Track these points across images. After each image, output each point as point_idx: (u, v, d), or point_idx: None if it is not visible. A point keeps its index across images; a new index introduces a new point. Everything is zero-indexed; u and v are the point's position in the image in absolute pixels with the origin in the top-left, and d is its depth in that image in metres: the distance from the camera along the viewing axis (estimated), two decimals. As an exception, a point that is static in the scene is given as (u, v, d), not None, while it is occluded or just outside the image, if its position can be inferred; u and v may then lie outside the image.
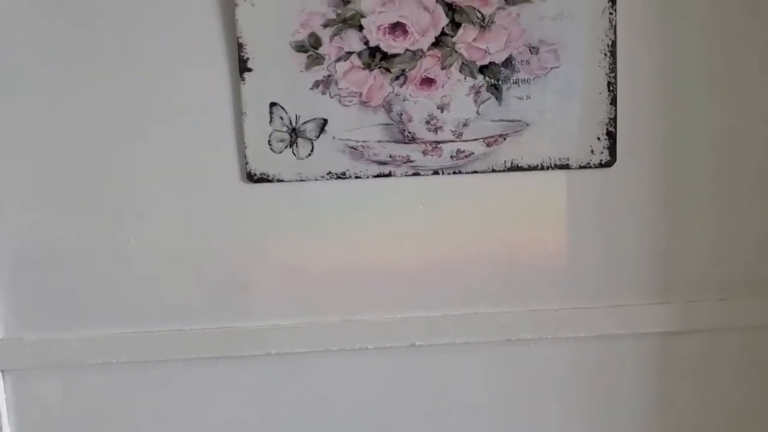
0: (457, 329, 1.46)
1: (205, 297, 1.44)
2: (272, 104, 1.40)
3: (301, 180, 1.42)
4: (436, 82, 1.41)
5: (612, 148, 1.45)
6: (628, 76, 1.42)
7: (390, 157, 1.43)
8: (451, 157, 1.43)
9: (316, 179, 1.42)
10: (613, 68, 1.42)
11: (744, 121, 1.44)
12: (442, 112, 1.42)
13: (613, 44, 1.41)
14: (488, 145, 1.43)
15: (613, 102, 1.43)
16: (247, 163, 1.41)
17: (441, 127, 1.42)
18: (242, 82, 1.38)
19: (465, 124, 1.42)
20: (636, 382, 1.52)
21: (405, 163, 1.43)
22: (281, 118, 1.40)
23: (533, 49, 1.41)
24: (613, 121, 1.44)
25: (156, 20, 1.36)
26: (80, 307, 1.43)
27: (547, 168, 1.45)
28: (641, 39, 1.41)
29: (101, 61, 1.35)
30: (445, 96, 1.41)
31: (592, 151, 1.45)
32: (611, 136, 1.44)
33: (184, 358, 1.45)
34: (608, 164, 1.45)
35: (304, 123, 1.40)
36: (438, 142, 1.43)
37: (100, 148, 1.38)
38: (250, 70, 1.38)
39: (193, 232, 1.42)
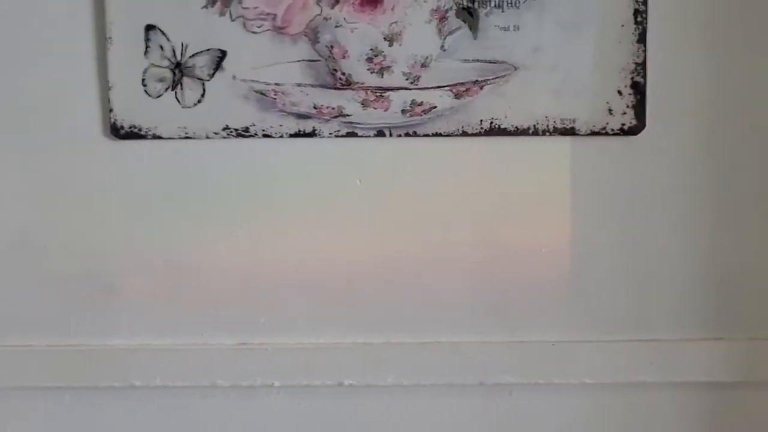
0: (407, 365, 0.85)
1: (50, 301, 0.86)
2: (149, 27, 0.87)
3: (187, 137, 0.87)
4: (383, 1, 0.86)
5: (640, 108, 0.87)
6: (666, 2, 0.85)
7: (314, 108, 0.88)
8: (404, 111, 0.88)
9: (207, 137, 0.87)
10: (642, -11, 0.86)
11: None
12: (390, 45, 0.87)
13: (644, -46, 0.85)
14: (457, 95, 0.87)
15: (642, 39, 0.86)
16: (111, 111, 0.87)
17: (389, 68, 0.87)
18: (108, -6, 0.86)
19: (424, 65, 0.87)
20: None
21: (336, 117, 0.88)
22: (161, 47, 0.87)
23: (526, -42, 0.86)
24: (642, 67, 0.86)
25: None
26: None
27: (544, 133, 0.88)
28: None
29: None
30: (395, 23, 0.87)
31: (610, 111, 0.88)
32: (639, 89, 0.87)
33: (16, 386, 0.87)
34: (634, 131, 0.87)
35: (194, 56, 0.87)
36: (384, 89, 0.87)
37: None
38: (119, -23, 0.86)
39: (33, 208, 0.88)
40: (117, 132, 0.85)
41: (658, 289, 0.85)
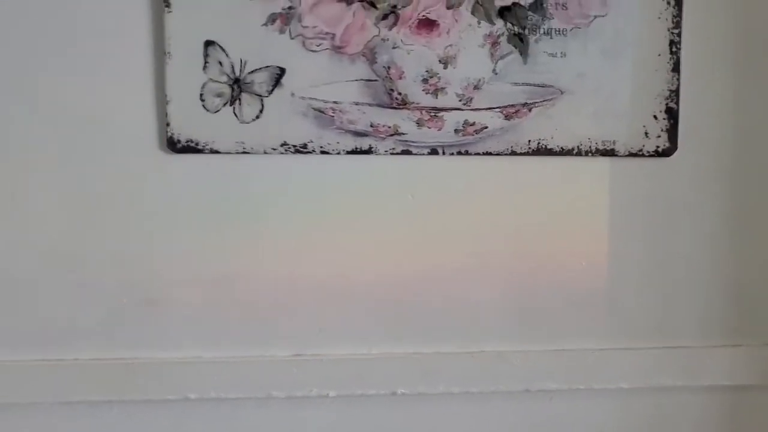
0: (455, 373, 0.88)
1: (98, 313, 0.84)
2: (208, 43, 0.87)
3: (245, 152, 0.88)
4: (439, 25, 0.89)
5: (672, 132, 0.93)
6: (698, 34, 0.90)
7: (371, 126, 0.90)
8: (456, 131, 0.91)
9: (265, 152, 0.88)
10: (677, 22, 0.91)
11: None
12: (445, 67, 0.90)
13: (679, -11, 0.91)
14: (507, 117, 0.91)
15: (676, 68, 0.92)
16: (168, 125, 0.87)
17: (443, 89, 0.90)
18: (167, 8, 0.86)
19: (477, 87, 0.91)
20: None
21: (391, 135, 0.90)
22: (220, 63, 0.87)
23: (572, -11, 0.90)
24: (675, 94, 0.92)
25: None
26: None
27: (586, 153, 0.93)
28: (717, -16, 0.91)
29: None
30: (450, 46, 0.90)
31: (646, 134, 0.93)
32: (672, 114, 0.93)
33: (62, 401, 0.85)
34: (666, 153, 0.93)
35: (253, 72, 0.87)
36: (438, 110, 0.90)
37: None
38: (178, -8, 0.86)
39: (83, 221, 0.86)
40: (173, 146, 0.84)
41: (684, 300, 0.91)
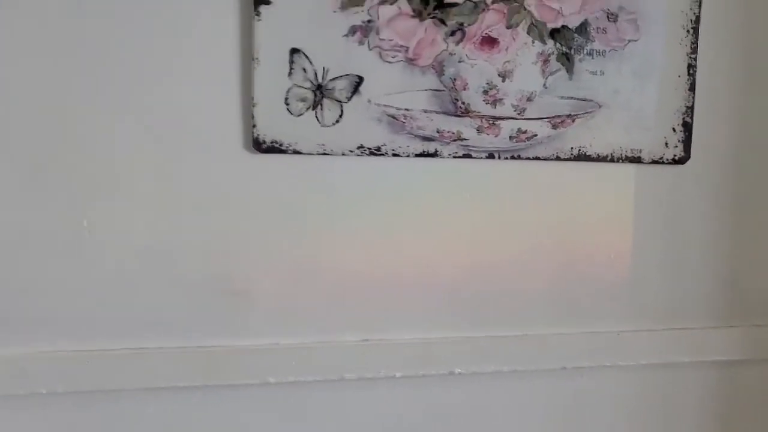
0: (504, 354, 0.98)
1: (183, 305, 0.88)
2: (294, 51, 0.93)
3: (324, 153, 0.95)
4: (499, 43, 0.99)
5: (687, 142, 1.07)
6: (710, 59, 1.05)
7: (437, 132, 0.98)
8: (511, 137, 1.01)
9: (343, 153, 0.95)
10: (694, 48, 1.05)
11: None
12: (503, 80, 1.00)
13: (697, 20, 1.05)
14: (554, 126, 1.02)
15: (692, 88, 1.06)
16: (254, 126, 0.92)
17: (501, 100, 1.00)
18: (256, 17, 0.91)
19: (529, 99, 1.01)
20: (699, 417, 1.12)
21: (455, 141, 0.99)
22: (304, 70, 0.93)
23: (611, 16, 1.02)
24: (691, 110, 1.07)
25: None
26: (2, 315, 0.87)
27: (618, 160, 1.05)
28: (727, 17, 1.05)
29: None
30: (508, 61, 0.99)
31: (666, 144, 1.07)
32: (687, 128, 1.07)
33: (149, 387, 0.89)
34: (681, 161, 1.08)
35: (334, 79, 0.94)
36: (496, 118, 1.00)
37: (46, 99, 0.85)
38: (268, 2, 0.91)
39: (172, 215, 0.90)
40: (259, 146, 0.90)
41: (691, 288, 1.06)
